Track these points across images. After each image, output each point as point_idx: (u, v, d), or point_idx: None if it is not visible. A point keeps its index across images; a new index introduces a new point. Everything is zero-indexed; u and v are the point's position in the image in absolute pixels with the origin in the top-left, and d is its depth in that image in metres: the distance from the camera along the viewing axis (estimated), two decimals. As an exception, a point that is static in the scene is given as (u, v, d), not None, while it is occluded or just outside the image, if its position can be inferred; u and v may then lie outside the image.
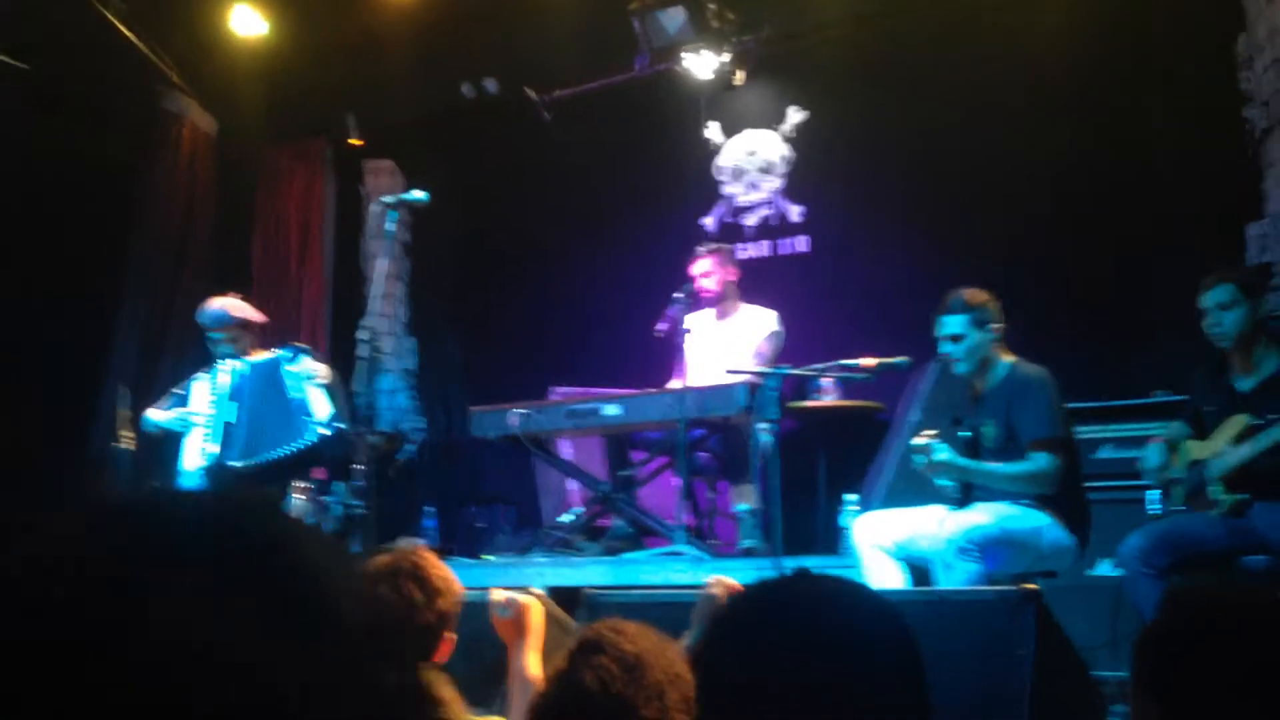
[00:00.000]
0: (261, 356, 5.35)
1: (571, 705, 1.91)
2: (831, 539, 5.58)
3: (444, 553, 6.51)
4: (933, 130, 6.68)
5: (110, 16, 7.12)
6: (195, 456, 5.27)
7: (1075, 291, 6.14)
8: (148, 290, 7.77)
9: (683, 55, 7.07)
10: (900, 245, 6.67)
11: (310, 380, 5.16)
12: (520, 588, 3.08)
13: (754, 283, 6.22)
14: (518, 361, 7.67)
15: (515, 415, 5.53)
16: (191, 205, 8.09)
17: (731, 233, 7.37)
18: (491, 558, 5.88)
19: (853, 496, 5.30)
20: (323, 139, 8.56)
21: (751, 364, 5.30)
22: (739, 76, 7.25)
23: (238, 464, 5.15)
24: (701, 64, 7.08)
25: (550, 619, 2.95)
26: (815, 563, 4.90)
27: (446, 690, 2.03)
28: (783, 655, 1.12)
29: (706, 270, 5.75)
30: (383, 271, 4.76)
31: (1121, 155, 6.16)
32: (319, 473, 6.53)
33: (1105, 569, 5.00)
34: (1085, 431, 5.14)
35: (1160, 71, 6.06)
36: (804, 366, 4.65)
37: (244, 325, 5.40)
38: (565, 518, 5.79)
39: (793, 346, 5.69)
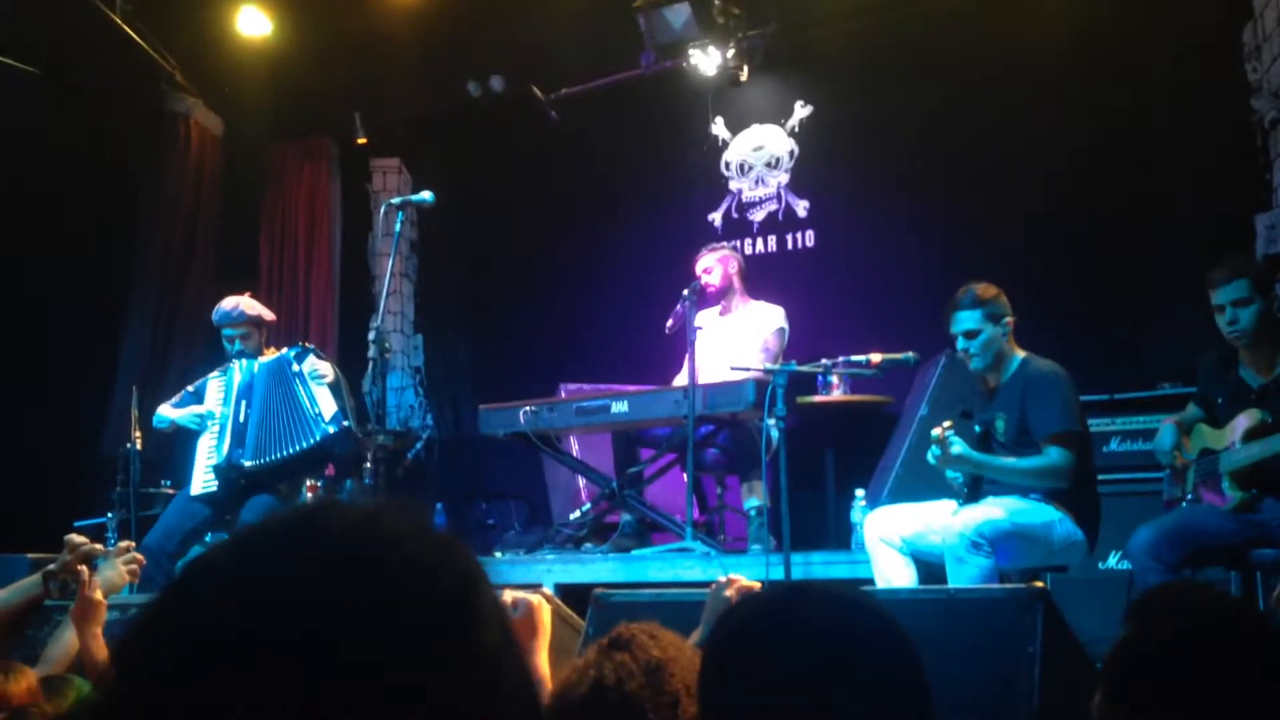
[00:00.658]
0: (270, 356, 5.37)
1: (586, 697, 1.93)
2: (841, 534, 5.58)
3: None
4: (938, 123, 6.67)
5: (114, 17, 7.13)
6: (207, 455, 5.29)
7: (1083, 284, 6.13)
8: (155, 290, 7.79)
9: (688, 52, 7.07)
10: (906, 239, 6.67)
11: (316, 379, 5.18)
12: (529, 586, 3.08)
13: (761, 278, 6.22)
14: (526, 359, 7.69)
15: (523, 413, 5.54)
16: (198, 205, 8.10)
17: (738, 228, 7.37)
18: (500, 555, 5.90)
19: (861, 492, 5.30)
20: (329, 138, 8.57)
21: (758, 360, 5.30)
22: (744, 72, 7.25)
23: (249, 463, 5.17)
24: (707, 60, 7.08)
25: (557, 618, 2.95)
26: (824, 558, 4.91)
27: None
28: (782, 672, 1.12)
29: (709, 267, 5.75)
30: (390, 273, 4.76)
31: (1129, 147, 6.14)
32: (328, 470, 6.56)
33: (1115, 562, 5.00)
34: (1094, 424, 5.12)
35: (1167, 62, 6.03)
36: (810, 363, 4.65)
37: (257, 323, 5.43)
38: (574, 515, 5.80)
39: (800, 341, 5.69)
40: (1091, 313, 6.05)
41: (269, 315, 5.54)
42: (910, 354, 4.43)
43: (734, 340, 5.63)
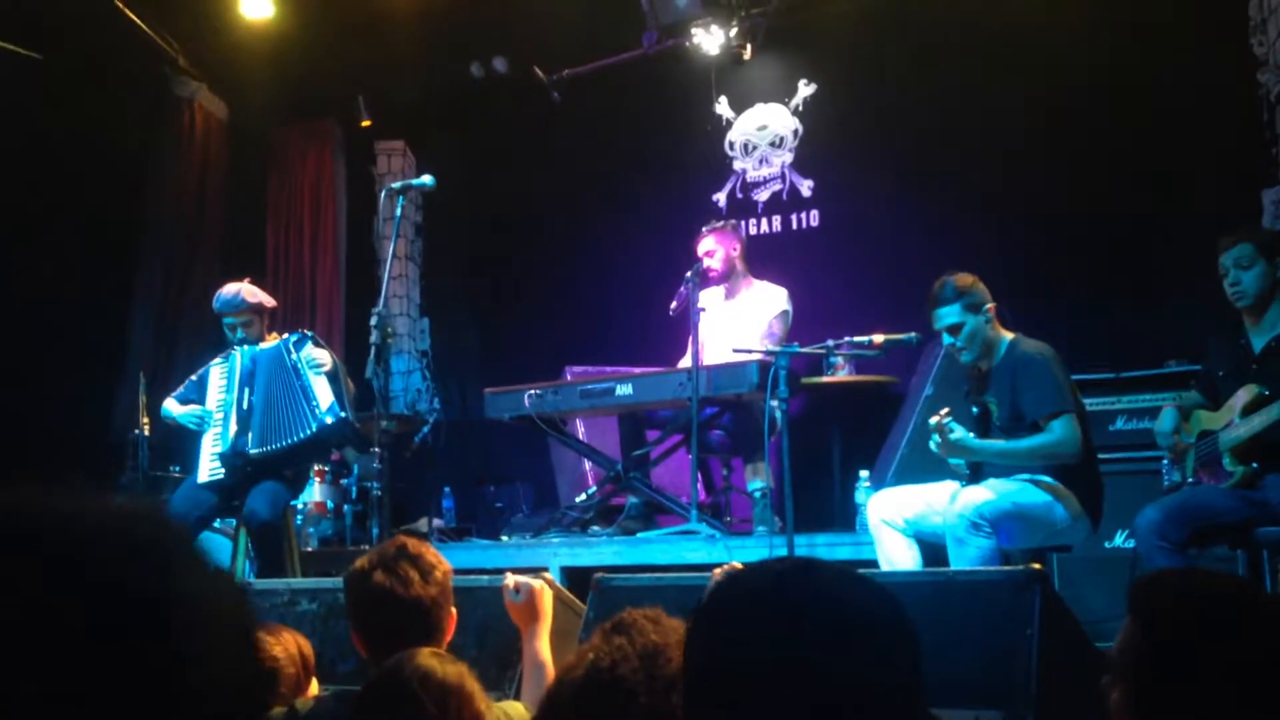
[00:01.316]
0: (271, 342, 5.37)
1: (582, 680, 1.94)
2: (847, 515, 5.59)
3: (462, 533, 6.59)
4: (942, 100, 6.64)
5: (117, 2, 7.13)
6: (213, 443, 5.30)
7: (1088, 262, 6.11)
8: (161, 276, 7.82)
9: (691, 31, 7.04)
10: (911, 218, 6.65)
11: (314, 368, 5.17)
12: (533, 570, 3.10)
13: (766, 258, 6.21)
14: (532, 341, 7.69)
15: (529, 396, 5.54)
16: (203, 189, 8.12)
17: (743, 208, 7.35)
18: (507, 539, 5.92)
19: (865, 473, 5.30)
20: (333, 121, 8.56)
21: (762, 342, 5.29)
22: (748, 51, 7.23)
23: (254, 450, 5.18)
24: (710, 39, 7.05)
25: (559, 603, 2.97)
26: (828, 540, 4.92)
27: (471, 682, 2.05)
28: (768, 641, 1.12)
29: (710, 249, 5.73)
30: (391, 257, 4.75)
31: (1135, 124, 6.10)
32: (334, 456, 6.59)
33: (1120, 541, 5.00)
34: (1099, 403, 5.13)
35: (1173, 37, 5.99)
36: (813, 344, 4.64)
37: (259, 310, 5.41)
38: (580, 498, 5.81)
39: (805, 321, 5.68)
40: (1097, 290, 6.03)
41: (270, 301, 5.52)
42: (913, 334, 4.42)
43: (739, 322, 5.62)
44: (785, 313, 5.64)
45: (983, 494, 3.90)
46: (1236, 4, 5.84)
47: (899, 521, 4.07)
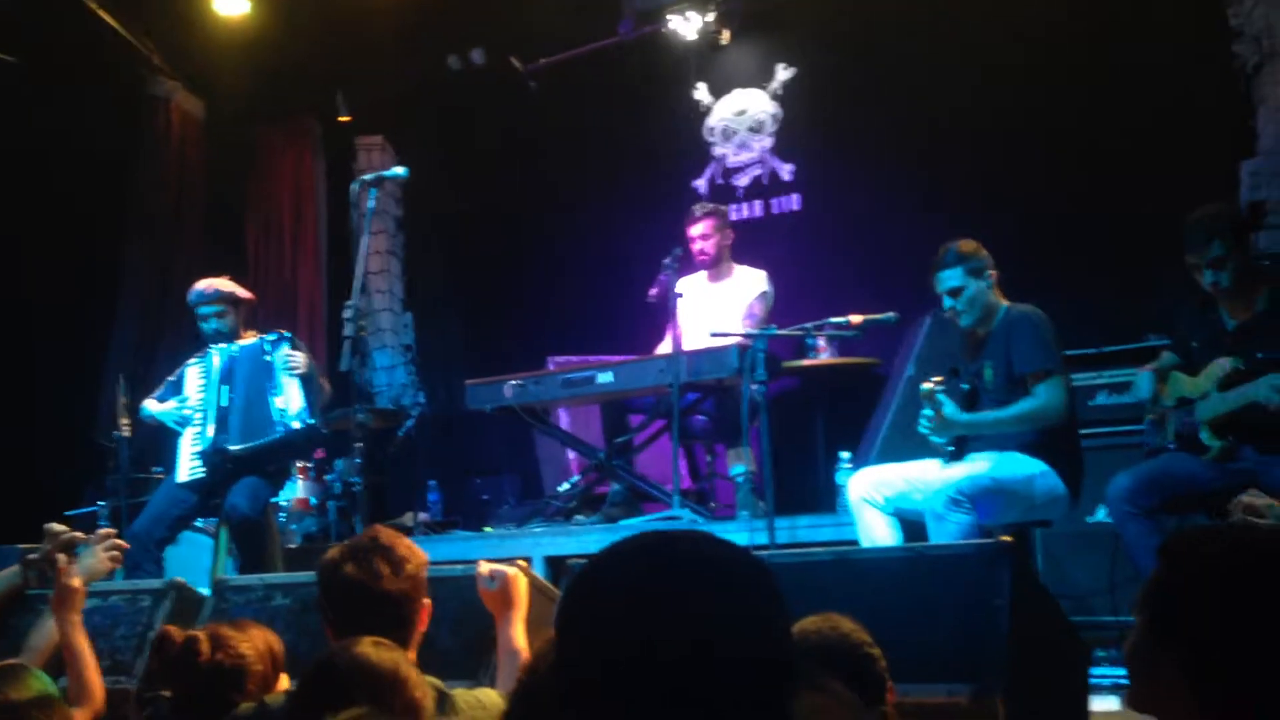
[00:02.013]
0: (248, 340, 5.34)
1: (551, 664, 1.93)
2: (831, 497, 5.58)
3: (447, 526, 6.57)
4: (920, 81, 6.62)
5: (89, 2, 7.08)
6: (192, 442, 5.28)
7: (1067, 237, 6.09)
8: (142, 277, 7.78)
9: (667, 17, 7.01)
10: (892, 200, 6.63)
11: (287, 371, 5.15)
12: (508, 559, 3.08)
13: (747, 243, 6.19)
14: (516, 332, 7.67)
15: (510, 387, 5.53)
16: (182, 189, 8.07)
17: (723, 194, 7.33)
18: (491, 530, 5.91)
19: (846, 454, 5.29)
20: (312, 117, 8.52)
21: (743, 324, 5.28)
22: (725, 36, 7.20)
23: (234, 447, 5.16)
24: (687, 25, 7.03)
25: (535, 589, 2.96)
26: (810, 521, 4.91)
27: (408, 669, 2.04)
28: (630, 608, 1.10)
29: (704, 233, 5.72)
30: (365, 249, 4.73)
31: (1113, 99, 6.08)
32: (318, 454, 6.57)
33: (1103, 515, 4.99)
34: (1081, 378, 5.10)
35: (1149, 8, 5.97)
36: (791, 326, 4.63)
37: (231, 299, 5.37)
38: (563, 487, 5.80)
39: (787, 305, 5.67)
40: (1076, 266, 6.01)
41: (245, 294, 5.49)
42: (891, 314, 4.42)
43: (720, 307, 5.61)
44: (765, 294, 5.63)
45: (963, 470, 3.89)
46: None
47: (879, 499, 4.05)
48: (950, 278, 4.14)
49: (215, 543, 5.33)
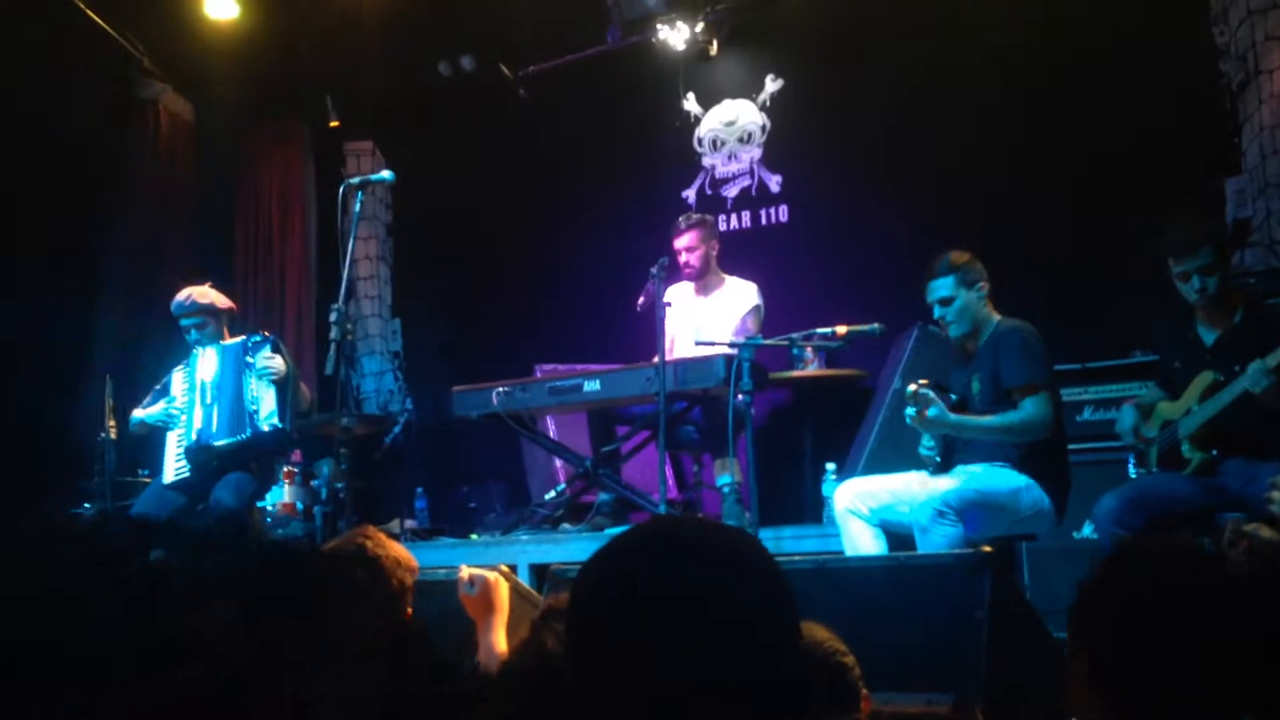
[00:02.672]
0: (232, 341, 5.36)
1: (534, 666, 1.95)
2: (818, 508, 5.58)
3: (435, 533, 6.55)
4: (908, 94, 6.64)
5: (79, 3, 7.06)
6: (178, 442, 5.28)
7: (1053, 252, 6.10)
8: (129, 280, 7.74)
9: (657, 27, 7.03)
10: (880, 212, 6.64)
11: (264, 374, 5.17)
12: (490, 566, 3.08)
13: (736, 254, 6.20)
14: (504, 340, 7.66)
15: (497, 394, 5.52)
16: (171, 192, 8.05)
17: (712, 204, 7.33)
18: (477, 537, 5.89)
19: (831, 465, 5.29)
20: (301, 122, 8.51)
21: (734, 338, 5.27)
22: (714, 46, 7.22)
23: (218, 443, 5.18)
24: (676, 35, 7.04)
25: (516, 595, 2.95)
26: (794, 532, 4.91)
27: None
28: (644, 583, 1.14)
29: (690, 245, 5.72)
30: (350, 254, 4.72)
31: (1098, 114, 6.10)
32: (295, 456, 6.56)
33: (1090, 531, 5.00)
34: (1068, 394, 5.11)
35: (1134, 27, 6.00)
36: (777, 336, 4.63)
37: (211, 311, 5.42)
38: (549, 495, 5.79)
39: (775, 317, 5.67)
40: (1062, 281, 6.02)
41: (224, 303, 5.52)
42: (875, 325, 4.42)
43: (712, 319, 5.60)
44: (757, 308, 5.64)
45: (949, 482, 3.90)
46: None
47: (864, 510, 4.06)
48: (942, 287, 4.15)
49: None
